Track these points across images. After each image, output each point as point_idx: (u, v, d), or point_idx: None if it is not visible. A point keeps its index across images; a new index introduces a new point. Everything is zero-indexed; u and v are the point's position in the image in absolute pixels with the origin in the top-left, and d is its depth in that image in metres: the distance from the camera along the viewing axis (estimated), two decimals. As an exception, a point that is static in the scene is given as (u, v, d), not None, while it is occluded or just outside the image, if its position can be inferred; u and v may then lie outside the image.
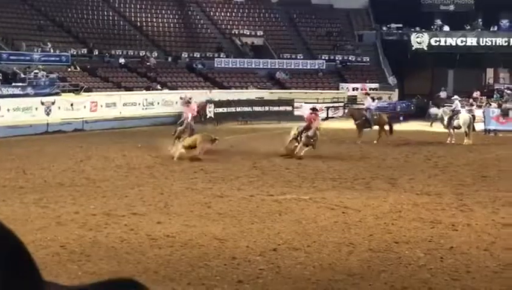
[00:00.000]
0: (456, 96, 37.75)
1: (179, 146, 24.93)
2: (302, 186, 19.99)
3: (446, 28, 59.57)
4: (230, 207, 16.82)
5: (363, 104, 48.66)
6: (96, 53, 50.40)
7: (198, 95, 45.11)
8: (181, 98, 33.13)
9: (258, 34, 59.29)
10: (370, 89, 54.57)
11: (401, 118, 45.65)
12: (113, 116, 40.44)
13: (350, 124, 36.16)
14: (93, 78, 46.66)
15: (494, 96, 49.57)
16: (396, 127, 41.23)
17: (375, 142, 31.22)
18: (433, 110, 40.79)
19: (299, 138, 26.41)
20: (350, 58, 58.91)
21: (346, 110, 44.69)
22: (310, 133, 26.18)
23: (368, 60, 59.20)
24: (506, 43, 56.60)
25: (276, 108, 47.37)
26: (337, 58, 58.58)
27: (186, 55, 54.16)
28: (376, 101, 47.21)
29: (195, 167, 23.69)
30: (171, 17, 58.30)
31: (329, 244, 13.26)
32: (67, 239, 13.35)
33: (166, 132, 34.55)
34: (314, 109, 28.83)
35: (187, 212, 16.23)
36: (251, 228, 14.57)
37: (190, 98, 33.93)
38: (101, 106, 40.50)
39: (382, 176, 21.90)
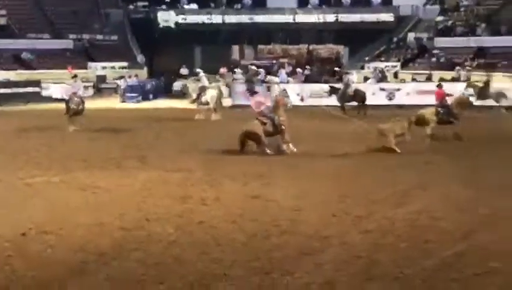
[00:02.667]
0: (203, 73, 38.47)
1: (391, 135, 22.37)
2: (52, 168, 19.58)
3: (192, 6, 60.55)
4: (-24, 194, 16.20)
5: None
6: None
7: None
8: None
9: (1, 13, 57.07)
10: (120, 67, 54.43)
11: (151, 96, 45.97)
12: None
13: (100, 103, 36.18)
14: None
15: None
16: (147, 104, 41.72)
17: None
18: (177, 84, 41.50)
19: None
20: (98, 37, 58.36)
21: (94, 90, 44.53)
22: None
23: (116, 38, 58.93)
24: (250, 20, 58.49)
25: (23, 90, 45.98)
26: (84, 37, 57.80)
27: None
28: (128, 79, 47.21)
29: None
30: None
31: (80, 226, 13.13)
32: None
33: None
34: (440, 86, 27.05)
35: None
36: (-1, 214, 14.13)
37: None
38: None
39: (133, 155, 21.90)
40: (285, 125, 22.27)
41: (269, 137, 22.23)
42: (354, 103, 35.52)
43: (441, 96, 25.72)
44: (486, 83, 35.94)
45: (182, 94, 39.60)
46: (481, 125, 28.14)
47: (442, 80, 41.05)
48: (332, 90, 36.23)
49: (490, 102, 35.33)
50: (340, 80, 39.38)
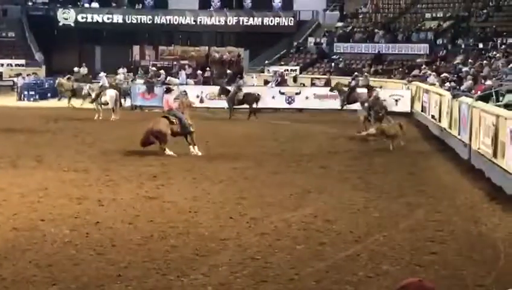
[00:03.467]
0: (102, 73, 38.18)
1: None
2: None
3: (94, 5, 59.90)
4: None
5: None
6: None
7: None
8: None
9: None
10: (16, 65, 53.32)
11: (49, 95, 45.19)
12: None
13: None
14: None
15: (139, 72, 50.71)
16: (45, 103, 41.01)
17: None
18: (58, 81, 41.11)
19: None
20: (-6, 33, 57.13)
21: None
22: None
23: (14, 35, 57.71)
24: (151, 21, 58.22)
25: None
26: (-20, 33, 56.47)
27: None
28: (26, 77, 46.33)
29: None
30: None
31: (-29, 227, 12.84)
32: None
33: None
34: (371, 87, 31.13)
35: None
36: None
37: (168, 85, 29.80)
38: None
39: (29, 154, 21.55)
40: (193, 127, 22.23)
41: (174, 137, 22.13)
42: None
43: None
44: (353, 88, 36.94)
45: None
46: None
47: (340, 85, 41.79)
48: (222, 91, 36.22)
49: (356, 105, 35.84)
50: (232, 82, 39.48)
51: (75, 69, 48.25)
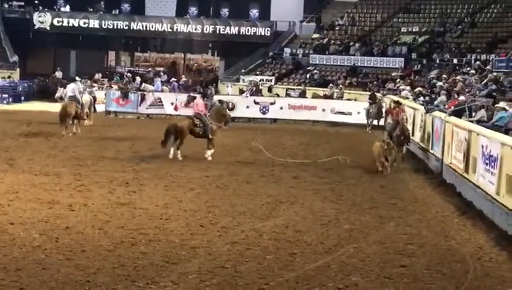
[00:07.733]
0: (77, 78, 37.95)
1: None
2: None
3: (68, 9, 59.69)
4: None
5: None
6: None
7: None
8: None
9: None
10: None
11: (23, 98, 45.03)
12: None
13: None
14: None
15: (115, 78, 50.59)
16: (18, 107, 40.77)
17: None
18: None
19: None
20: (-32, 35, 56.74)
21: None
22: (398, 131, 23.75)
23: (-12, 37, 57.41)
24: (127, 27, 58.07)
25: None
26: (-47, 34, 56.03)
27: None
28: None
29: None
30: None
31: None
32: None
33: None
34: (398, 102, 26.30)
35: None
36: None
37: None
38: None
39: (0, 157, 21.42)
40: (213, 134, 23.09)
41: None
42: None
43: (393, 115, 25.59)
44: None
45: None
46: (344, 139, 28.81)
47: (315, 96, 42.04)
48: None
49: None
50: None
51: (57, 73, 47.98)
